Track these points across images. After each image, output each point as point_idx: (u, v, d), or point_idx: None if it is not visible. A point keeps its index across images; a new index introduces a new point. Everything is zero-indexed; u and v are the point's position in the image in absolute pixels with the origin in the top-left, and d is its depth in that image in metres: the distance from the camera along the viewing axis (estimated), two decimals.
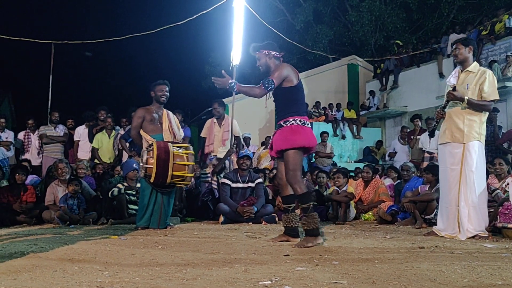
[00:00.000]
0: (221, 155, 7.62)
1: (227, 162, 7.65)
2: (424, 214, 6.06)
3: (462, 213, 4.58)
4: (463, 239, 4.50)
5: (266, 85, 4.09)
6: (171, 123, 5.83)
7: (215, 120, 7.85)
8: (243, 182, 6.94)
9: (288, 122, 4.16)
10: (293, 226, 4.28)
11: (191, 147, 5.64)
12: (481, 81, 4.68)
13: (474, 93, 4.67)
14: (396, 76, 15.15)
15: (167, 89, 5.85)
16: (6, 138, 8.93)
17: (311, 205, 4.09)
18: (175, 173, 5.33)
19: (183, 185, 5.79)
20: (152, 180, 5.33)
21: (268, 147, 4.50)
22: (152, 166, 5.26)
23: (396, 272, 2.70)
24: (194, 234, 5.04)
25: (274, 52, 4.37)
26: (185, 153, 5.46)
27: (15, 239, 4.43)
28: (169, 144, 5.46)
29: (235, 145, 7.72)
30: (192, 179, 7.37)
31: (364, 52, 19.12)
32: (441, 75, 12.93)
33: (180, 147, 5.50)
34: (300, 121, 4.16)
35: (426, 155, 8.90)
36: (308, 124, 4.24)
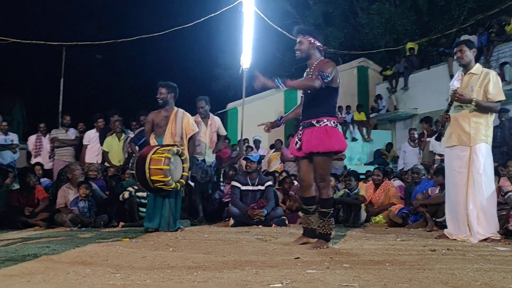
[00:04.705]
0: (209, 158, 7.20)
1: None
2: (435, 217, 6.03)
3: (471, 216, 4.55)
4: (474, 242, 4.47)
5: (322, 77, 3.93)
6: (176, 124, 5.86)
7: (199, 118, 7.16)
8: (253, 184, 6.94)
9: (321, 122, 4.04)
10: (313, 227, 4.23)
11: (174, 150, 5.43)
12: (485, 82, 4.65)
13: (479, 95, 4.64)
14: (406, 78, 15.08)
15: (162, 90, 5.86)
16: (12, 140, 9.03)
17: (331, 211, 4.09)
18: (153, 177, 5.31)
19: (168, 190, 5.54)
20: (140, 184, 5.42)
21: (293, 145, 4.29)
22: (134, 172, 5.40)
23: (408, 275, 2.69)
24: (205, 237, 5.05)
25: (319, 44, 4.20)
26: (163, 157, 5.32)
27: (28, 241, 4.47)
28: (153, 148, 5.48)
29: (244, 146, 7.68)
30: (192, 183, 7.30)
31: (374, 54, 19.05)
32: (452, 77, 12.76)
33: (164, 151, 5.42)
34: (333, 122, 4.08)
35: (437, 157, 8.84)
36: (339, 126, 4.16)
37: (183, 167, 5.67)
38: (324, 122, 4.04)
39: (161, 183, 5.35)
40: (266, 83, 3.88)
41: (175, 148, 5.50)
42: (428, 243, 4.45)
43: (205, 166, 7.08)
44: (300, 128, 4.25)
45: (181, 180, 5.61)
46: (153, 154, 5.38)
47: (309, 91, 4.17)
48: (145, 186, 5.55)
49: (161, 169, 5.26)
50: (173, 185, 5.42)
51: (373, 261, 3.27)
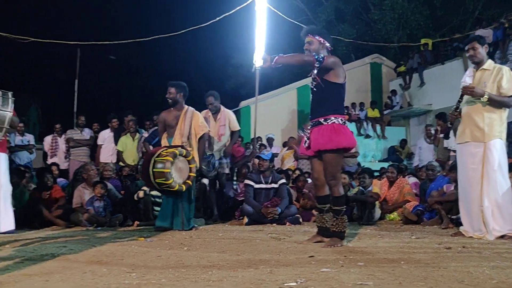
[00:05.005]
0: (217, 153, 7.10)
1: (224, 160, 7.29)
2: (451, 214, 5.98)
3: (486, 213, 4.50)
4: (491, 239, 4.42)
5: (316, 56, 3.99)
6: (184, 124, 5.89)
7: (210, 113, 7.11)
8: (266, 183, 6.94)
9: (329, 120, 4.05)
10: (327, 226, 4.22)
11: (176, 152, 5.44)
12: (498, 77, 4.59)
13: (492, 90, 4.58)
14: (420, 74, 14.96)
15: (171, 90, 5.94)
16: (28, 141, 9.15)
17: (344, 209, 4.09)
18: (157, 180, 5.36)
19: (172, 191, 5.55)
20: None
21: (302, 144, 4.35)
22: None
23: (423, 273, 2.68)
24: (219, 236, 5.07)
25: (328, 44, 4.24)
26: (165, 160, 5.34)
27: (45, 241, 4.54)
28: (158, 150, 5.52)
29: (257, 144, 7.63)
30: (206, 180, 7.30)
31: (388, 50, 18.91)
32: None
33: (167, 153, 5.43)
34: (341, 120, 4.08)
35: (452, 153, 8.75)
36: (347, 124, 4.18)
37: (189, 167, 5.66)
38: (331, 120, 4.05)
39: (165, 186, 5.40)
40: (267, 62, 3.96)
41: (177, 150, 5.50)
42: (443, 240, 4.41)
43: (212, 160, 7.03)
44: (309, 126, 4.27)
45: (187, 181, 5.59)
46: (156, 156, 5.42)
47: (314, 88, 4.20)
48: (153, 187, 5.68)
49: (163, 172, 5.30)
50: (177, 187, 5.42)
51: (388, 259, 3.26)
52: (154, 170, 5.35)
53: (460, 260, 3.20)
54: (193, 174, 5.70)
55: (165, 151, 5.52)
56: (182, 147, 5.66)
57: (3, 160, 5.50)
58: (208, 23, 9.97)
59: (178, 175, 5.49)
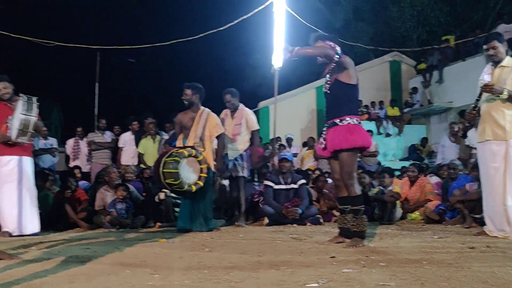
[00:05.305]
0: (231, 153, 6.80)
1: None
2: (474, 213, 5.90)
3: (510, 212, 4.43)
4: None
5: (335, 51, 4.12)
6: (199, 125, 5.92)
7: (228, 112, 6.96)
8: (286, 183, 6.93)
9: (344, 121, 4.09)
10: (349, 227, 4.20)
11: (184, 153, 5.42)
12: None
13: None
14: (440, 71, 14.76)
15: (187, 91, 5.97)
16: (51, 145, 9.31)
17: (363, 208, 4.09)
18: (166, 181, 5.37)
19: (182, 191, 5.56)
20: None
21: (319, 146, 4.39)
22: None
23: (446, 274, 2.66)
24: (240, 237, 5.10)
25: (339, 48, 4.27)
26: (173, 160, 5.34)
27: (70, 243, 4.62)
28: (169, 151, 5.56)
29: (276, 144, 7.59)
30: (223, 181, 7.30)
31: (407, 47, 18.70)
32: None
33: (177, 154, 5.42)
34: (356, 120, 4.13)
35: (474, 151, 8.64)
36: (362, 124, 4.22)
37: (200, 168, 5.61)
38: (346, 121, 4.10)
39: (175, 186, 5.41)
40: (287, 52, 4.04)
41: (186, 151, 5.48)
42: (466, 240, 4.37)
43: (225, 160, 6.83)
44: (324, 128, 4.31)
45: (198, 182, 5.55)
46: (167, 157, 5.45)
47: (328, 90, 4.25)
48: (164, 188, 5.76)
49: (172, 172, 5.32)
50: (186, 188, 5.41)
51: (410, 259, 3.24)
52: (163, 170, 5.38)
53: (484, 260, 3.17)
54: (204, 175, 5.62)
55: (175, 151, 5.55)
56: (192, 147, 5.67)
57: (29, 164, 5.64)
58: (227, 26, 9.99)
59: (187, 176, 5.46)
